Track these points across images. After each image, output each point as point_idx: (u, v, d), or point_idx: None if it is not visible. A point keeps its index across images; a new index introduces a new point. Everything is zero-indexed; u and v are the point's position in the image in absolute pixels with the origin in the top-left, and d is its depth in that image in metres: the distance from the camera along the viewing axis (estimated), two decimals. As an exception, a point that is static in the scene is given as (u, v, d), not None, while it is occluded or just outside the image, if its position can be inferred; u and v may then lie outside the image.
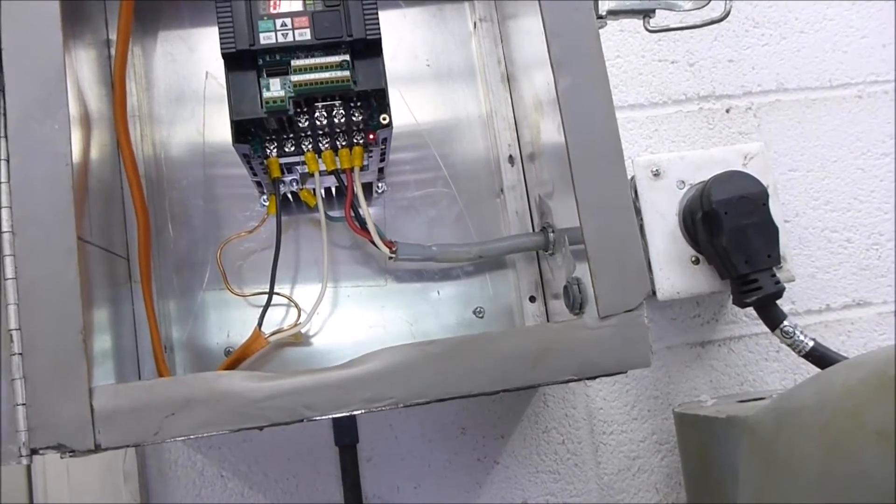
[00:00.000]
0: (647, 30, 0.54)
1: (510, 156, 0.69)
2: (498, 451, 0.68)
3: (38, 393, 0.41)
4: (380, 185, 0.66)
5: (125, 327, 0.60)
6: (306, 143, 0.57)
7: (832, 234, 0.74)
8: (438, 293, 0.66)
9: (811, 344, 0.60)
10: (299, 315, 0.63)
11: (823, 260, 0.73)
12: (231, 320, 0.64)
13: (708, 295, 0.68)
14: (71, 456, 0.42)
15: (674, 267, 0.64)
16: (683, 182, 0.65)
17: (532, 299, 0.66)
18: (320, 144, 0.57)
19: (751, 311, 0.71)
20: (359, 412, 0.44)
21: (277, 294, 0.63)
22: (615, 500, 0.68)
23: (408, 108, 0.69)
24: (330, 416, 0.43)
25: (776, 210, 0.62)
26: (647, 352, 0.45)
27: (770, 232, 0.61)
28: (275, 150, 0.57)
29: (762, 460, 0.49)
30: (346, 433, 0.60)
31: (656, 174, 0.65)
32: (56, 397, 0.42)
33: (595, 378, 0.45)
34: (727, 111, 0.74)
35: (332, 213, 0.62)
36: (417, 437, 0.67)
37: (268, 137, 0.56)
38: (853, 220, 0.74)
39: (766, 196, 0.61)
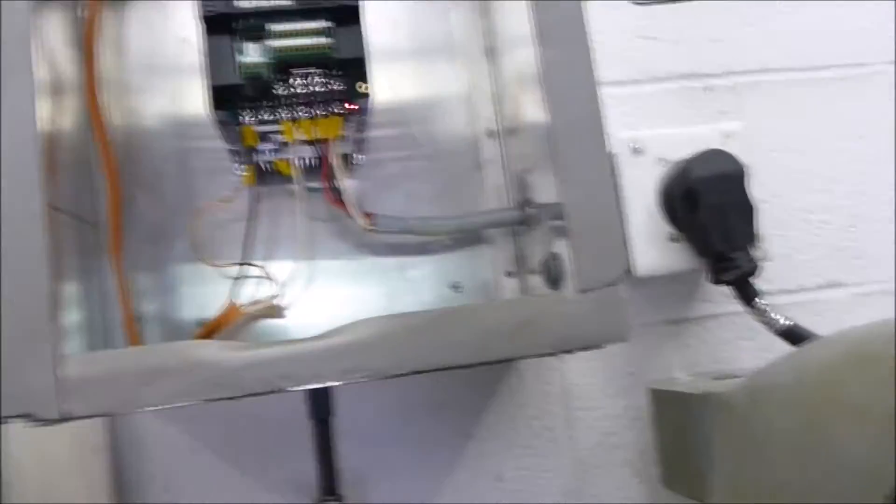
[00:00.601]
0: (634, 2, 0.54)
1: (490, 130, 0.68)
2: (473, 426, 0.68)
3: (6, 362, 0.40)
4: (358, 157, 0.65)
5: (95, 297, 0.59)
6: (284, 112, 0.56)
7: (809, 215, 0.74)
8: (416, 268, 0.65)
9: (785, 322, 0.60)
10: (274, 288, 0.62)
11: (799, 241, 0.73)
12: (204, 292, 0.63)
13: (684, 273, 0.68)
14: (39, 425, 0.41)
15: (652, 244, 0.64)
16: (663, 159, 0.65)
17: (509, 274, 0.66)
18: (298, 113, 0.56)
19: (726, 289, 0.71)
20: (335, 383, 0.43)
21: (252, 266, 0.62)
22: (589, 475, 0.68)
23: (386, 82, 0.68)
24: (306, 388, 0.43)
25: (755, 190, 0.62)
26: (625, 326, 0.45)
27: (748, 211, 0.61)
28: (251, 118, 0.56)
29: (738, 437, 0.49)
30: (321, 406, 0.59)
31: (636, 151, 0.65)
32: (24, 366, 0.41)
33: (573, 352, 0.45)
34: (708, 90, 0.74)
35: (309, 185, 0.62)
36: (393, 411, 0.67)
37: (244, 105, 0.55)
38: (830, 202, 0.74)
39: (744, 174, 0.61)
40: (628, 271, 0.65)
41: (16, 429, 0.43)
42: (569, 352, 0.45)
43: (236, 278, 0.62)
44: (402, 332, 0.43)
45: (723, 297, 0.71)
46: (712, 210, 0.60)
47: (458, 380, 0.67)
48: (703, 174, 0.60)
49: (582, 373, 0.69)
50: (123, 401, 0.41)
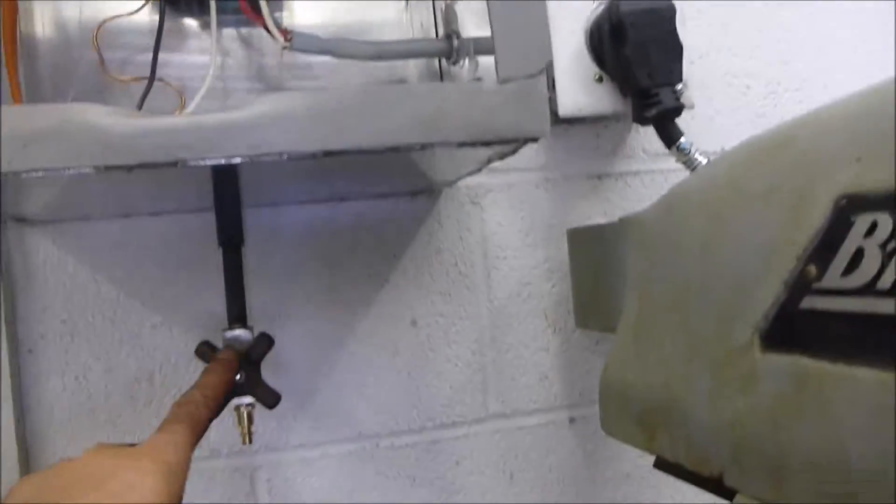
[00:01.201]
0: None
1: (418, -35, 0.65)
2: (389, 270, 0.66)
3: None
4: (278, -18, 0.62)
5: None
6: None
7: (733, 79, 0.74)
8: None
9: (706, 163, 0.60)
10: (183, 103, 0.59)
11: (722, 104, 0.73)
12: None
13: (609, 121, 0.68)
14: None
15: (577, 85, 0.63)
16: (593, -2, 0.63)
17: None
18: None
19: (649, 147, 0.71)
20: (239, 159, 0.41)
21: (160, 81, 0.58)
22: (503, 324, 0.68)
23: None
24: (207, 162, 0.40)
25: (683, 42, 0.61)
26: (544, 121, 0.43)
27: (674, 48, 0.60)
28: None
29: (650, 250, 0.49)
30: (230, 231, 0.57)
31: (567, -12, 0.63)
32: None
33: (490, 145, 0.43)
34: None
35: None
36: (308, 249, 0.65)
37: None
38: (754, 68, 0.74)
39: (674, 12, 0.60)
40: (553, 112, 0.63)
41: None
42: (487, 144, 0.43)
43: (143, 96, 0.58)
44: (312, 110, 0.41)
45: (645, 155, 0.71)
46: (639, 45, 0.59)
47: (376, 223, 0.66)
48: (632, 8, 0.59)
49: (501, 221, 0.68)
50: (5, 160, 0.38)
